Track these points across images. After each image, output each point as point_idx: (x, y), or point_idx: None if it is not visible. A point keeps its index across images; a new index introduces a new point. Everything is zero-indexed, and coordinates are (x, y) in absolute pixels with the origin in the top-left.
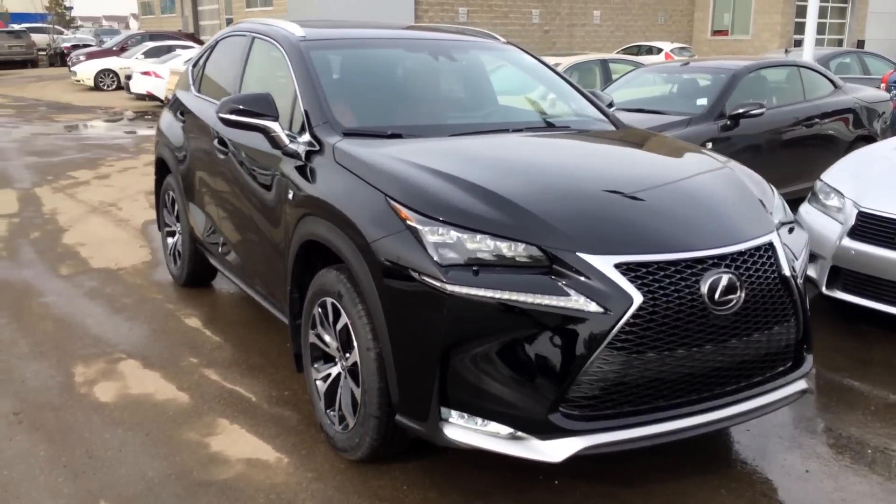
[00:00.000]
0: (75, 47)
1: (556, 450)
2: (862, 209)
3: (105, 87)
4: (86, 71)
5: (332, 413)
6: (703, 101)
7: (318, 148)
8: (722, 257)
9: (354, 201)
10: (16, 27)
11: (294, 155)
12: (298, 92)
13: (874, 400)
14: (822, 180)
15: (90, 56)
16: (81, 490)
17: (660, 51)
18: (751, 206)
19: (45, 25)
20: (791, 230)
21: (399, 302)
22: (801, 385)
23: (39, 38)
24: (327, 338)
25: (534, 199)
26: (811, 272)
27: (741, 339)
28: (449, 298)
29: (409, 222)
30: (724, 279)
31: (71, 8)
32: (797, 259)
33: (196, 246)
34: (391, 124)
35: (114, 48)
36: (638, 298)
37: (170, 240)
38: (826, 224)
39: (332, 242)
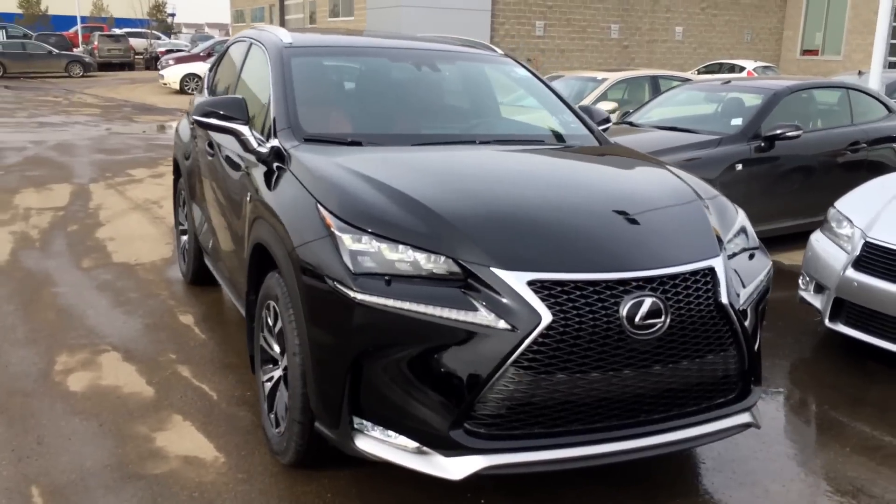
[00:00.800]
0: (168, 52)
1: (457, 467)
2: (868, 239)
3: (190, 91)
4: (172, 75)
5: (271, 416)
6: (738, 121)
7: (278, 152)
8: (648, 280)
9: (292, 206)
10: (116, 31)
11: (260, 158)
12: (272, 96)
13: (853, 439)
14: (835, 207)
15: (178, 61)
16: (18, 474)
17: (742, 69)
18: (697, 229)
19: (143, 31)
20: (751, 256)
21: (316, 308)
22: (743, 418)
23: (138, 43)
24: (272, 341)
25: (462, 212)
26: (816, 303)
27: (666, 366)
28: (357, 307)
29: (331, 229)
30: (647, 303)
31: (173, 15)
32: (745, 287)
33: (198, 244)
34: (355, 132)
35: (200, 53)
36: (547, 317)
37: (182, 238)
38: (833, 253)
39: (270, 246)
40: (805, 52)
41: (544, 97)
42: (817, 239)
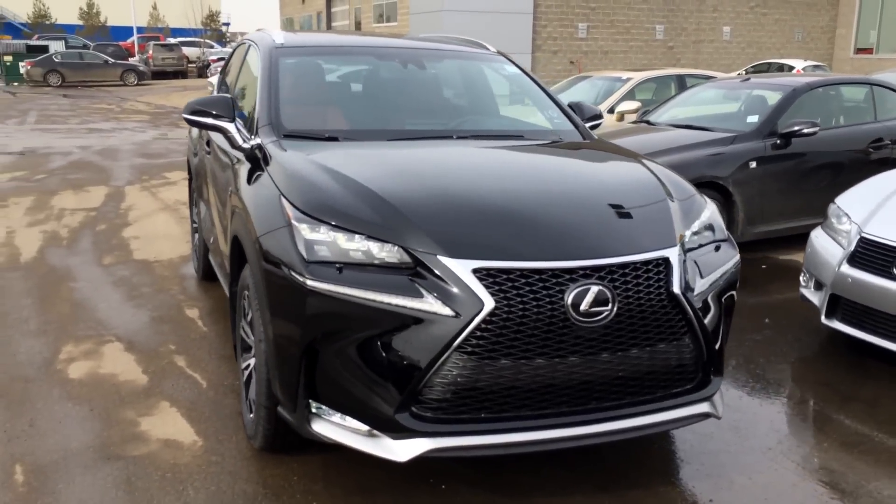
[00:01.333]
0: (219, 59)
1: (403, 449)
2: (864, 234)
3: None
4: None
5: (247, 402)
6: (754, 119)
7: (258, 148)
8: (595, 269)
9: (260, 199)
10: (171, 41)
11: (244, 154)
12: (258, 94)
13: (833, 435)
14: (835, 203)
15: None
16: (6, 454)
17: (791, 68)
18: (655, 221)
19: (196, 39)
20: (717, 248)
21: (274, 295)
22: (701, 408)
23: (191, 52)
24: (248, 330)
25: (416, 203)
26: (815, 300)
27: (615, 353)
28: (309, 294)
29: (290, 219)
30: (593, 291)
31: (227, 24)
32: (704, 278)
33: (203, 240)
34: (334, 128)
35: None
36: (489, 304)
37: (195, 235)
38: (830, 249)
39: (242, 237)
40: (859, 50)
41: (532, 94)
42: (817, 235)
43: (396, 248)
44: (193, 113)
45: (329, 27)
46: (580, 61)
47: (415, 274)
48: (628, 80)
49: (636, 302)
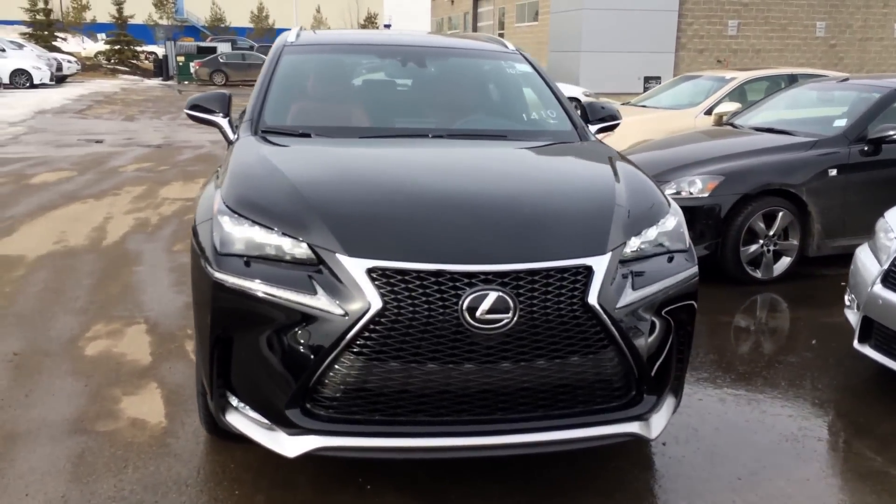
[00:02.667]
0: None
1: (293, 445)
2: None
3: None
4: None
5: None
6: (841, 123)
7: (235, 142)
8: (498, 274)
9: (208, 191)
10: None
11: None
12: (253, 91)
13: (821, 467)
14: (884, 217)
15: None
16: None
17: None
18: (587, 226)
19: None
20: (670, 259)
21: (195, 285)
22: (628, 428)
23: None
24: None
25: (333, 202)
26: (853, 321)
27: (517, 363)
28: (215, 285)
29: (214, 212)
30: (491, 297)
31: (388, 25)
32: (636, 290)
33: None
34: (312, 124)
35: None
36: (377, 304)
37: None
38: (869, 266)
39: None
40: None
41: (539, 92)
42: (861, 251)
43: (299, 243)
44: (192, 108)
45: (475, 28)
46: (728, 61)
47: (317, 271)
48: (731, 80)
49: (543, 311)
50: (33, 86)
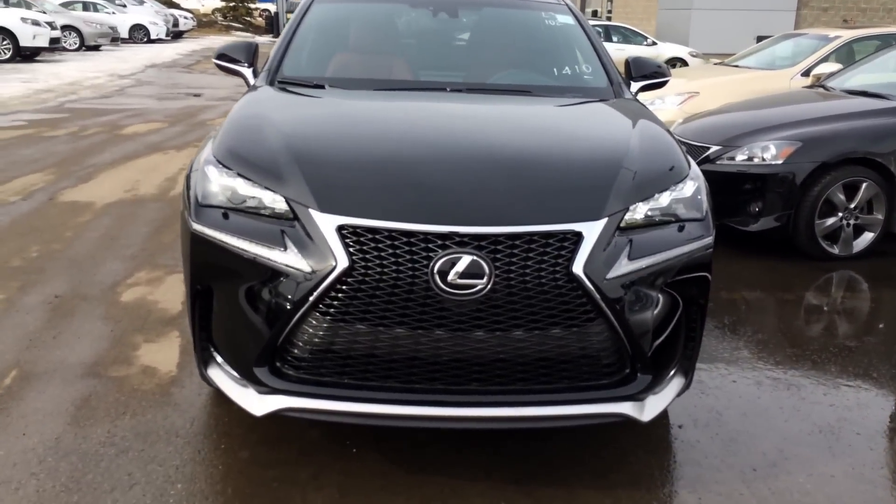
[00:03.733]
0: None
1: (260, 404)
2: None
3: None
4: None
5: None
6: None
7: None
8: (474, 237)
9: (207, 140)
10: None
11: None
12: (278, 40)
13: (845, 468)
14: None
15: None
16: (15, 359)
17: None
18: (585, 189)
19: None
20: (681, 228)
21: (181, 235)
22: (618, 408)
23: None
24: None
25: (316, 155)
26: None
27: (492, 333)
28: (192, 236)
29: (202, 162)
30: (464, 261)
31: None
32: (632, 260)
33: None
34: (330, 75)
35: None
36: (343, 263)
37: None
38: None
39: None
40: None
41: (578, 45)
42: None
43: (276, 196)
44: (219, 57)
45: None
46: (855, 19)
47: (291, 227)
48: (836, 38)
49: (521, 279)
50: (150, 41)
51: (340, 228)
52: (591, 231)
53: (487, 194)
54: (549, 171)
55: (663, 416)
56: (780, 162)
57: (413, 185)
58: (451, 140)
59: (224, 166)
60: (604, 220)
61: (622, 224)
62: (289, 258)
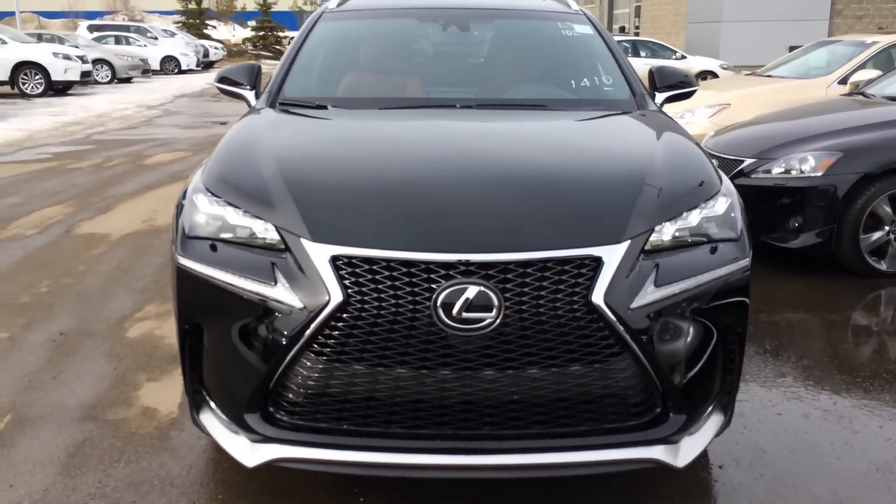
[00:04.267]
0: None
1: (251, 455)
2: None
3: None
4: None
5: None
6: None
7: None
8: (481, 265)
9: (199, 168)
10: None
11: None
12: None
13: None
14: None
15: None
16: (11, 401)
17: None
18: (603, 210)
19: None
20: (713, 250)
21: (171, 272)
22: (649, 453)
23: None
24: None
25: (310, 181)
26: None
27: (502, 371)
28: (179, 270)
29: (189, 191)
30: (470, 292)
31: None
32: (660, 287)
33: None
34: (332, 95)
35: None
36: (337, 298)
37: None
38: None
39: None
40: None
41: (597, 56)
42: None
43: (267, 226)
44: (220, 80)
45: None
46: (891, 26)
47: (283, 259)
48: (873, 44)
49: (535, 310)
50: (181, 71)
51: (334, 259)
52: (612, 255)
53: (495, 218)
54: (565, 190)
55: (702, 456)
56: (820, 174)
57: (414, 210)
58: (456, 161)
59: (213, 195)
60: (626, 244)
61: (647, 247)
62: (279, 293)
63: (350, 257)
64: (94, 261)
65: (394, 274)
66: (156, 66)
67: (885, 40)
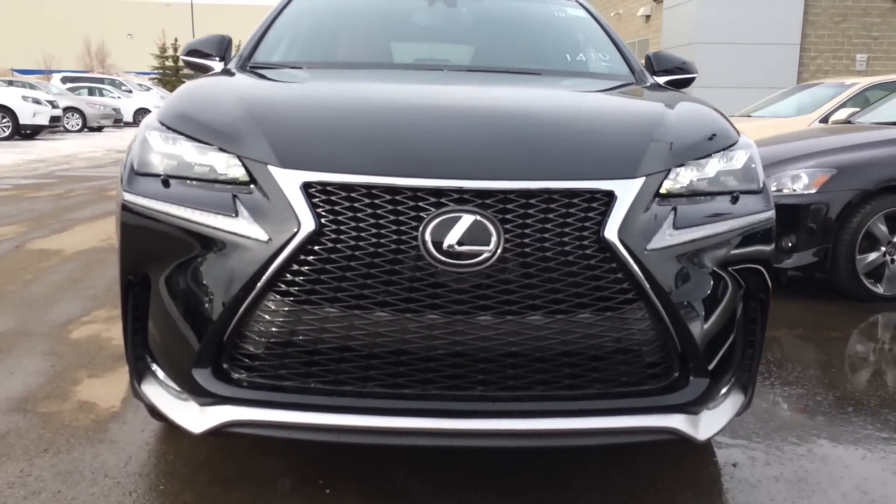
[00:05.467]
0: None
1: (199, 418)
2: None
3: None
4: None
5: None
6: None
7: None
8: (478, 193)
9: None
10: None
11: None
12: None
13: None
14: None
15: None
16: None
17: None
18: (619, 144)
19: None
20: (734, 199)
21: (116, 221)
22: (666, 421)
23: None
24: None
25: (279, 110)
26: None
27: (501, 317)
28: (124, 208)
29: (142, 128)
30: (464, 222)
31: None
32: (679, 229)
33: None
34: (309, 60)
35: None
36: (308, 226)
37: None
38: None
39: None
40: None
41: (592, 35)
42: None
43: (236, 158)
44: (189, 53)
45: None
46: None
47: (248, 192)
48: (852, 85)
49: (538, 244)
50: None
51: (307, 186)
52: (627, 191)
53: (494, 145)
54: (573, 124)
55: (711, 454)
56: (813, 191)
57: (400, 133)
58: (450, 91)
59: (171, 129)
60: (641, 180)
61: (663, 191)
62: (239, 226)
63: (325, 184)
64: (43, 272)
65: (375, 202)
66: (129, 117)
67: (863, 82)
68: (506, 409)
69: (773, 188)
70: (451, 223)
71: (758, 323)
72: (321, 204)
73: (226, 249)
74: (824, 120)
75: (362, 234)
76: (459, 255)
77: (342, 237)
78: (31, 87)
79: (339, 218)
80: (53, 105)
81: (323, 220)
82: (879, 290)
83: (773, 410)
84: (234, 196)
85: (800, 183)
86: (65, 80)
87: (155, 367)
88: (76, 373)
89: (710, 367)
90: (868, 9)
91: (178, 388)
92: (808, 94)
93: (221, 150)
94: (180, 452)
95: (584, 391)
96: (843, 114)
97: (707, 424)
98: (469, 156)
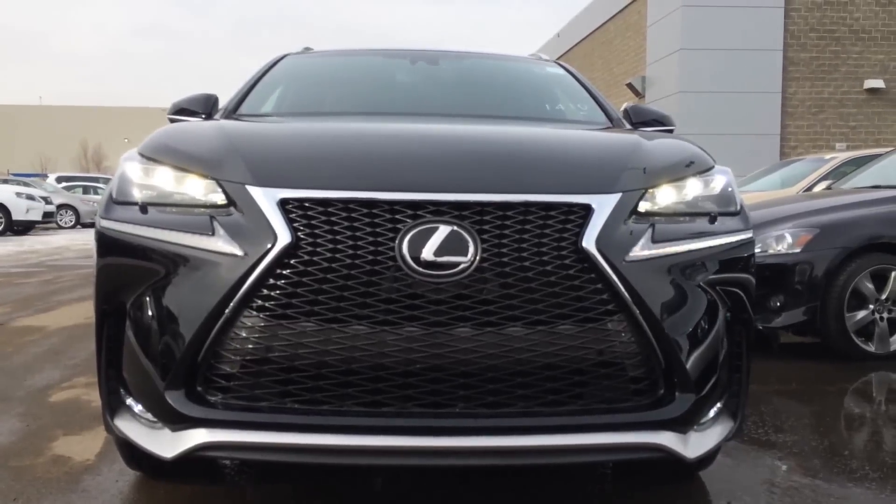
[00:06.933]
0: None
1: (171, 443)
2: None
3: None
4: None
5: None
6: None
7: None
8: (454, 205)
9: None
10: None
11: None
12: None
13: None
14: None
15: None
16: None
17: None
18: (591, 165)
19: None
20: (712, 219)
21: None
22: (652, 438)
23: None
24: None
25: (258, 138)
26: None
27: (480, 328)
28: (100, 235)
29: (121, 161)
30: (441, 233)
31: None
32: (660, 246)
33: None
34: (292, 111)
35: None
36: (284, 239)
37: None
38: None
39: None
40: None
41: (572, 90)
42: None
43: (214, 182)
44: (175, 112)
45: None
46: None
47: (226, 214)
48: (832, 159)
49: (516, 254)
50: None
51: (284, 203)
52: (604, 205)
53: (472, 163)
54: (551, 146)
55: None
56: (798, 251)
57: (376, 149)
58: (427, 124)
59: (150, 159)
60: (618, 195)
61: (641, 209)
62: (215, 243)
63: (302, 199)
64: (25, 345)
65: (353, 215)
66: None
67: (842, 156)
68: (488, 425)
69: (758, 249)
70: (429, 234)
71: (742, 347)
72: (298, 219)
73: (202, 268)
74: (808, 191)
75: (339, 247)
76: (437, 266)
77: (319, 250)
78: (26, 184)
79: (316, 231)
80: (47, 201)
81: (300, 234)
82: (871, 348)
83: None
84: (212, 217)
85: (784, 243)
86: (60, 179)
87: (129, 400)
88: (52, 431)
89: (695, 379)
90: (844, 100)
91: (151, 419)
92: (791, 169)
93: (201, 175)
94: (155, 501)
95: (568, 407)
96: (824, 185)
97: (696, 444)
98: (447, 172)
